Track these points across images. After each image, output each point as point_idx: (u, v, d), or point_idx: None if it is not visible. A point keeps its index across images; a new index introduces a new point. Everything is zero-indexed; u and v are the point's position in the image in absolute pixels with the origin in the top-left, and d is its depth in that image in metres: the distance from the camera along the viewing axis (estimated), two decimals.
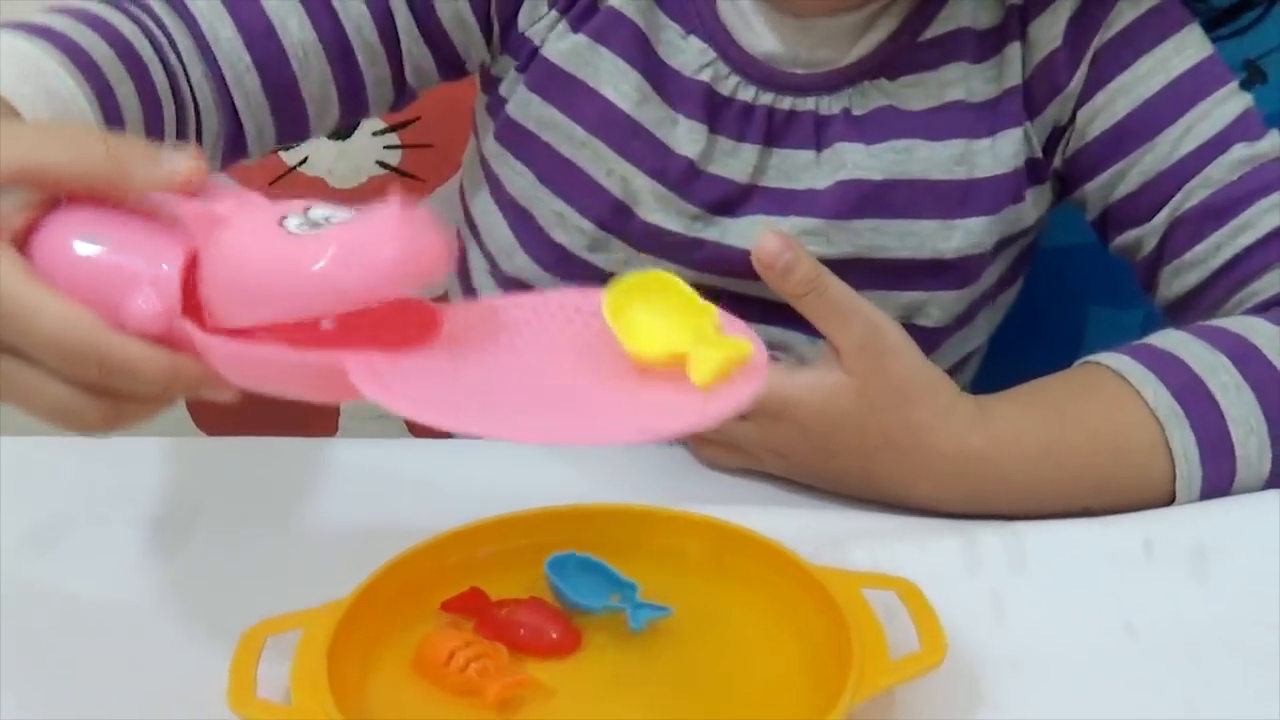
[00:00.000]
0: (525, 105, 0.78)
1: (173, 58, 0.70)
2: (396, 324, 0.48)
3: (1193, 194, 0.75)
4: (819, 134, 0.76)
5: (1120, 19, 0.76)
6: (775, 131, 0.76)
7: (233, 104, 0.73)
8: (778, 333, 0.74)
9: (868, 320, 0.64)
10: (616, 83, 0.76)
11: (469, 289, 0.88)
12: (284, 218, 0.47)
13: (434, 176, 1.07)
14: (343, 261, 0.45)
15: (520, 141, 0.79)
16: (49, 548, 0.62)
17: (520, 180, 0.80)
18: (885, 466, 0.65)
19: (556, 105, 0.77)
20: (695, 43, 0.76)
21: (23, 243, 0.48)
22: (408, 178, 1.06)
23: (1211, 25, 0.79)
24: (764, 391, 0.64)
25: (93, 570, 0.61)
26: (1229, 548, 0.61)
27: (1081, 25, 0.76)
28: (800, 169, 0.76)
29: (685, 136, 0.76)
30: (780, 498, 0.68)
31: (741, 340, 0.48)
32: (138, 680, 0.54)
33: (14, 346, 0.47)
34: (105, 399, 0.48)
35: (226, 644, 0.52)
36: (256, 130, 0.75)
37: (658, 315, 0.49)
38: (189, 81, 0.71)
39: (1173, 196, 0.75)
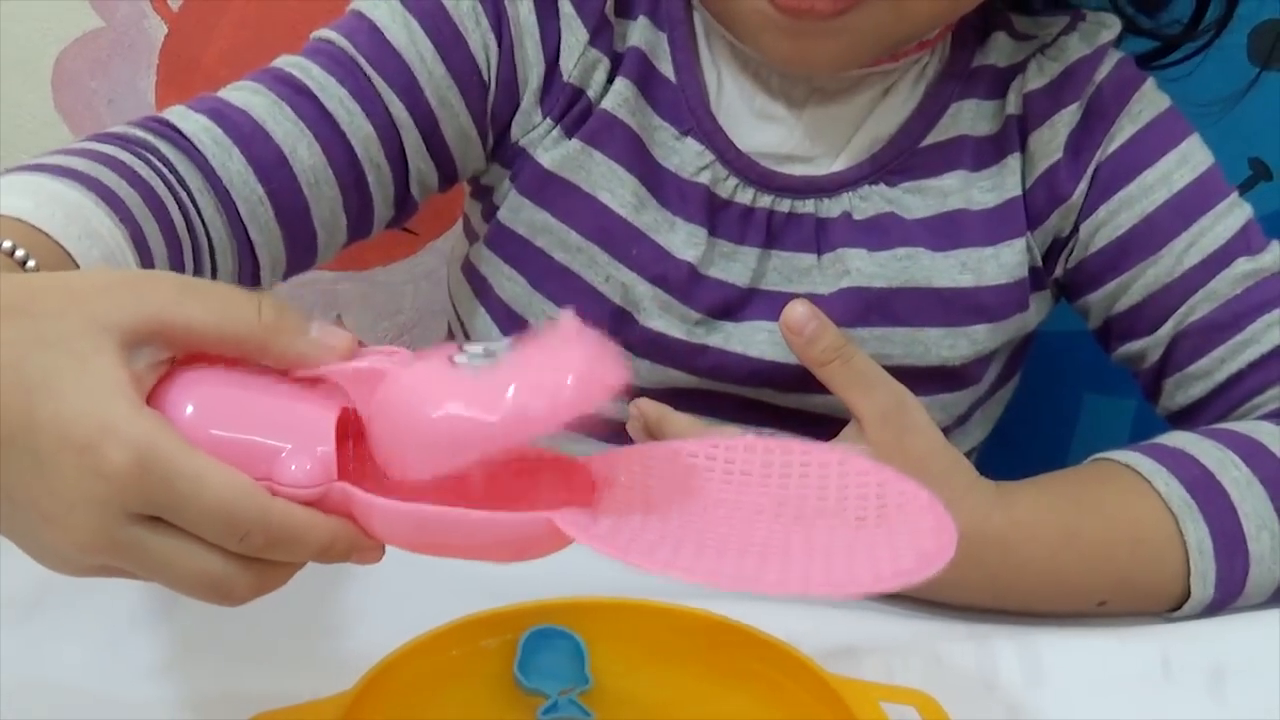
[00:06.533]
0: (517, 210, 0.77)
1: (184, 196, 0.67)
2: (549, 482, 0.47)
3: (1196, 308, 0.75)
4: (819, 237, 0.75)
5: (1121, 133, 0.77)
6: (775, 233, 0.76)
7: (247, 237, 0.71)
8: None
9: (892, 392, 0.64)
10: (613, 187, 0.75)
11: None
12: (451, 358, 0.45)
13: (428, 230, 1.06)
14: (532, 390, 0.44)
15: (512, 247, 0.78)
16: (21, 621, 0.59)
17: (513, 286, 0.79)
18: None
19: (550, 210, 0.76)
20: (692, 144, 0.75)
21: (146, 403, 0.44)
22: (403, 231, 1.04)
23: (1157, 54, 0.80)
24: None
25: (68, 647, 0.58)
26: (1248, 669, 0.61)
27: (1083, 139, 0.76)
28: (801, 272, 0.76)
29: (684, 240, 0.75)
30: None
31: None
32: None
33: (162, 517, 0.43)
34: (254, 567, 0.45)
35: None
36: (270, 262, 0.73)
37: None
38: (202, 219, 0.68)
39: (1176, 310, 0.76)
